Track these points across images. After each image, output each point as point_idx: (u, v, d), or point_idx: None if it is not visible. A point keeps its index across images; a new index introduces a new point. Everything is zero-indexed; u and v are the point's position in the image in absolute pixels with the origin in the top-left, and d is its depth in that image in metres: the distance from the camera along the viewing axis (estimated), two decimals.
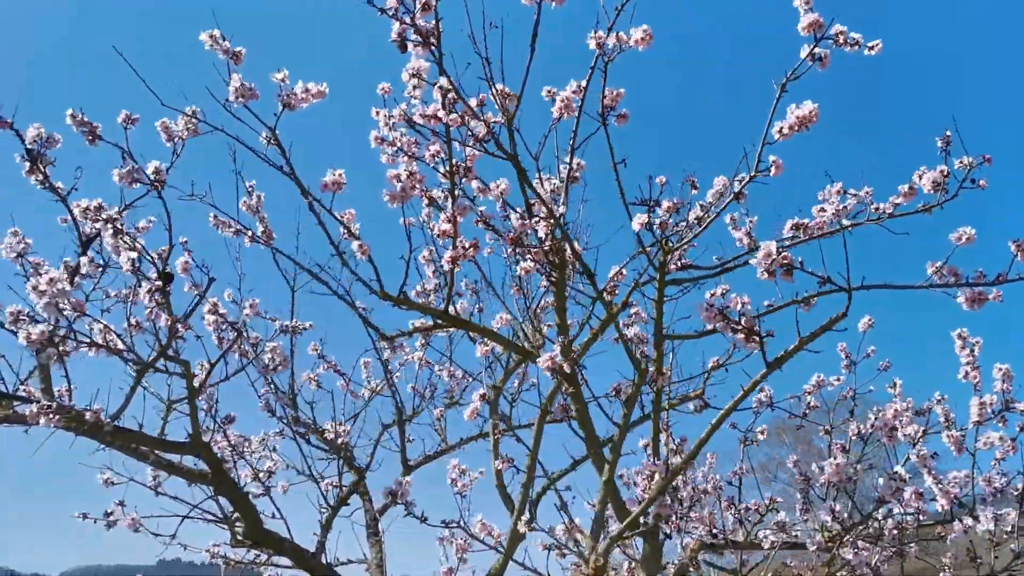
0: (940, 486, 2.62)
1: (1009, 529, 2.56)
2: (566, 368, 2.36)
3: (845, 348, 3.43)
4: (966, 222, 2.41)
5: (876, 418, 3.31)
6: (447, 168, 2.29)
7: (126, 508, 3.22)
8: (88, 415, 2.43)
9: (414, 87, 2.33)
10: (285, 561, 3.52)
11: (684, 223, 2.57)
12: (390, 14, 2.03)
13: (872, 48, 2.33)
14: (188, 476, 2.96)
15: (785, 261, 1.87)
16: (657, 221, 2.42)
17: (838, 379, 3.50)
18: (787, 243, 2.22)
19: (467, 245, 2.40)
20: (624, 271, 2.96)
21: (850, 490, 2.55)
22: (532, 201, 2.58)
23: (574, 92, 2.51)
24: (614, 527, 2.82)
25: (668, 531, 2.73)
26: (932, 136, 2.36)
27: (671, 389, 3.06)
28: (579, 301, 3.19)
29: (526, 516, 2.68)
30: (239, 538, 3.40)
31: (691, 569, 2.66)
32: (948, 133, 2.38)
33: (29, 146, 2.80)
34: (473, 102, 2.19)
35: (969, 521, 2.30)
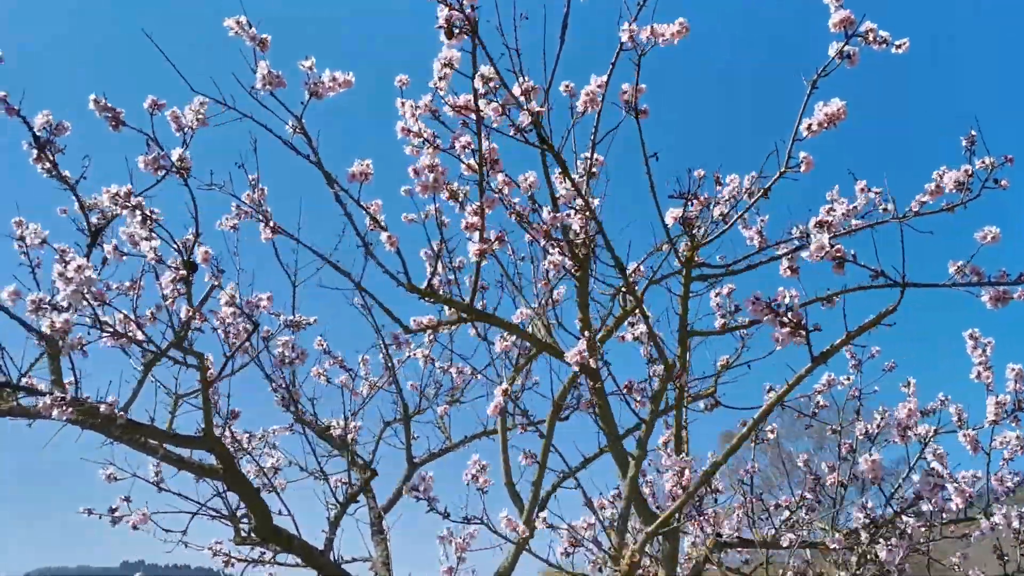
0: (956, 485, 2.64)
1: None
2: (592, 364, 2.34)
3: (851, 348, 3.44)
4: (986, 222, 2.43)
5: (882, 418, 3.33)
6: (476, 160, 2.26)
7: (131, 504, 3.16)
8: (103, 408, 2.37)
9: (440, 78, 2.30)
10: (286, 560, 3.47)
11: (709, 219, 2.57)
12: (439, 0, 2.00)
13: (900, 47, 2.33)
14: (198, 471, 2.90)
15: (839, 254, 1.87)
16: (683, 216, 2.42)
17: (847, 379, 3.53)
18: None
19: (494, 238, 2.37)
20: (642, 268, 2.95)
21: (883, 488, 2.55)
22: (557, 196, 2.56)
23: (599, 86, 2.50)
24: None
25: (690, 529, 2.73)
26: (945, 136, 2.38)
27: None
28: (594, 298, 3.17)
29: (542, 512, 2.65)
30: (243, 535, 3.34)
31: (710, 565, 2.65)
32: (973, 133, 2.39)
33: (37, 133, 2.75)
34: (516, 90, 2.16)
35: (997, 519, 2.31)
